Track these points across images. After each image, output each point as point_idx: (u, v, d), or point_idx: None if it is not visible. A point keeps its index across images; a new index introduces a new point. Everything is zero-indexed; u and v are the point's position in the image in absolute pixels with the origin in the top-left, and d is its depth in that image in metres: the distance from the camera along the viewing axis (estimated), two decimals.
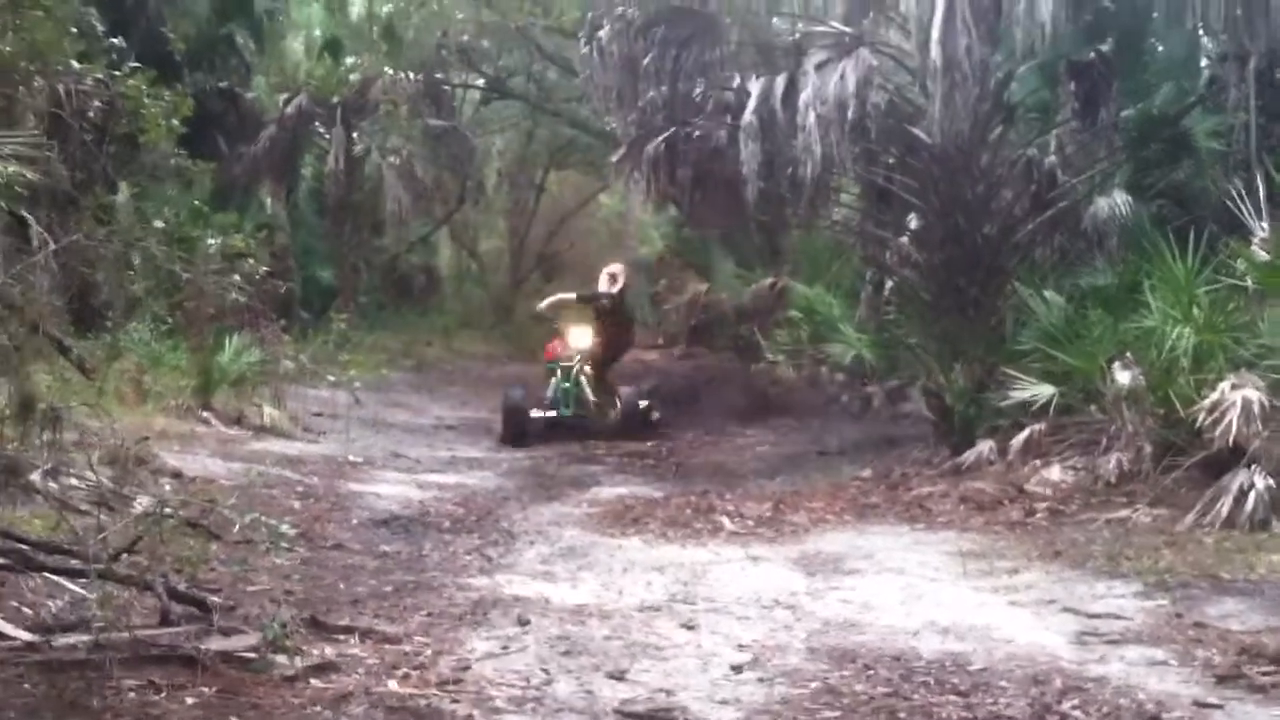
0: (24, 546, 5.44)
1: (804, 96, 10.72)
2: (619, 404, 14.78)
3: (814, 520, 9.32)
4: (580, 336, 14.93)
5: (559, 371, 14.72)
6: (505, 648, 5.74)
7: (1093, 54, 11.62)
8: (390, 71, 22.45)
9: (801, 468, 12.12)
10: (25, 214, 11.13)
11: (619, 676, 5.36)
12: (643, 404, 14.98)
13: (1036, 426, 10.09)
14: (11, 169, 9.48)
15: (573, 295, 15.73)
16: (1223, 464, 8.48)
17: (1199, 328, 9.56)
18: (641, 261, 31.79)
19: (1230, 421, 8.42)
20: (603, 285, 15.54)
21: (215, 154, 17.71)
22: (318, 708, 4.71)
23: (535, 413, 14.47)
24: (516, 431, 14.12)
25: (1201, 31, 12.36)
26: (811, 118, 10.60)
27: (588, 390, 14.64)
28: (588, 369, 14.77)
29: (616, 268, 16.00)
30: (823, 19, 12.64)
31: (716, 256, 23.88)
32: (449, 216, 27.45)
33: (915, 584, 7.17)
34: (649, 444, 13.95)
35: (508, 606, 6.54)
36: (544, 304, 16.15)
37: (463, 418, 16.18)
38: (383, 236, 25.88)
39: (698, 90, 12.43)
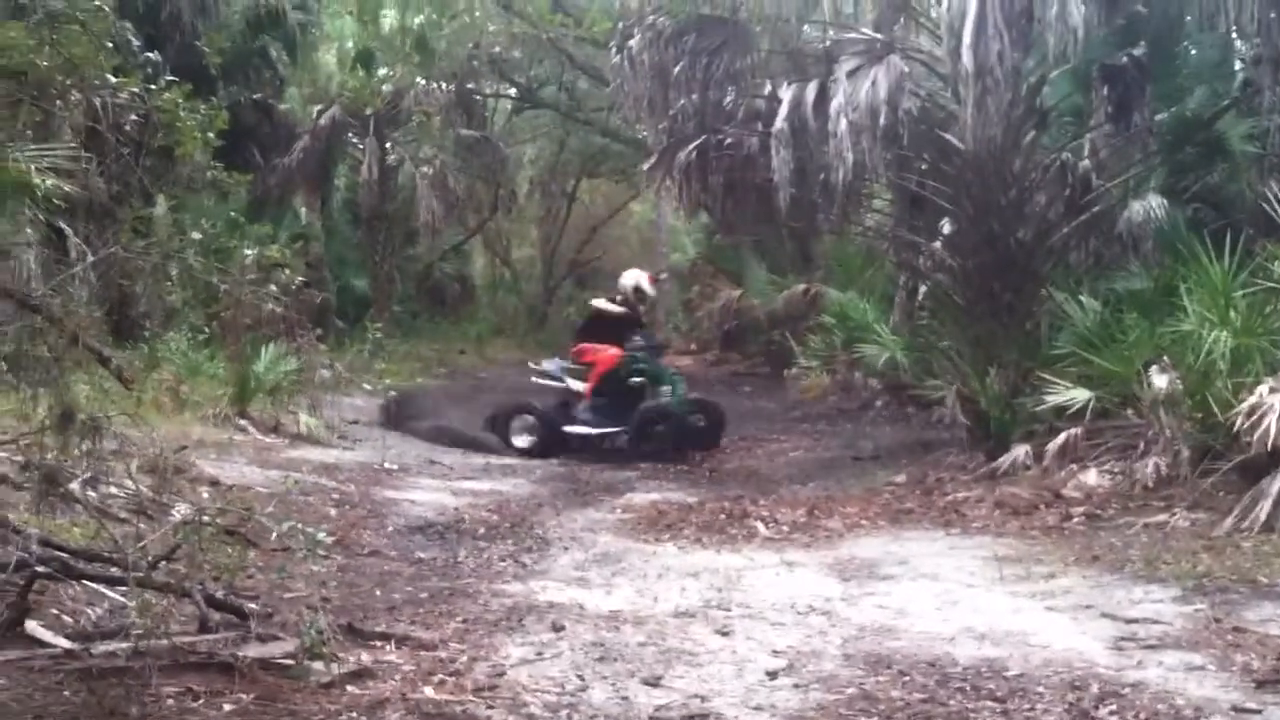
0: (64, 554, 5.49)
1: (835, 103, 10.70)
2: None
3: (848, 525, 9.29)
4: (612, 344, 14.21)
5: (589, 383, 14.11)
6: (540, 654, 5.76)
7: (1125, 58, 11.54)
8: (422, 82, 22.60)
9: (835, 473, 12.09)
10: (64, 226, 11.29)
11: (654, 683, 5.36)
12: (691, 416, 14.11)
13: (1073, 431, 10.01)
14: (50, 182, 9.61)
15: (612, 305, 14.86)
16: (1261, 468, 8.40)
17: (1236, 331, 9.49)
18: (674, 268, 31.87)
19: (1269, 425, 8.32)
20: (647, 288, 14.89)
21: (250, 165, 17.90)
22: (354, 714, 4.74)
23: (569, 429, 13.97)
24: (546, 445, 13.77)
25: (1235, 34, 12.26)
26: (843, 124, 10.58)
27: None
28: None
29: (655, 272, 15.89)
30: (853, 26, 12.61)
31: (749, 263, 23.87)
32: (482, 225, 27.59)
33: (951, 589, 7.14)
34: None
35: (542, 613, 6.56)
36: (597, 304, 15.40)
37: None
38: (416, 245, 26.04)
39: (728, 98, 12.44)
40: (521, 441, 13.84)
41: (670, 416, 13.71)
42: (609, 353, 14.11)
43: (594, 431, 13.96)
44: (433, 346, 22.82)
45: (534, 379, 14.87)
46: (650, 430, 13.63)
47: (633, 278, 14.95)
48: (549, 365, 14.90)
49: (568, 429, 13.97)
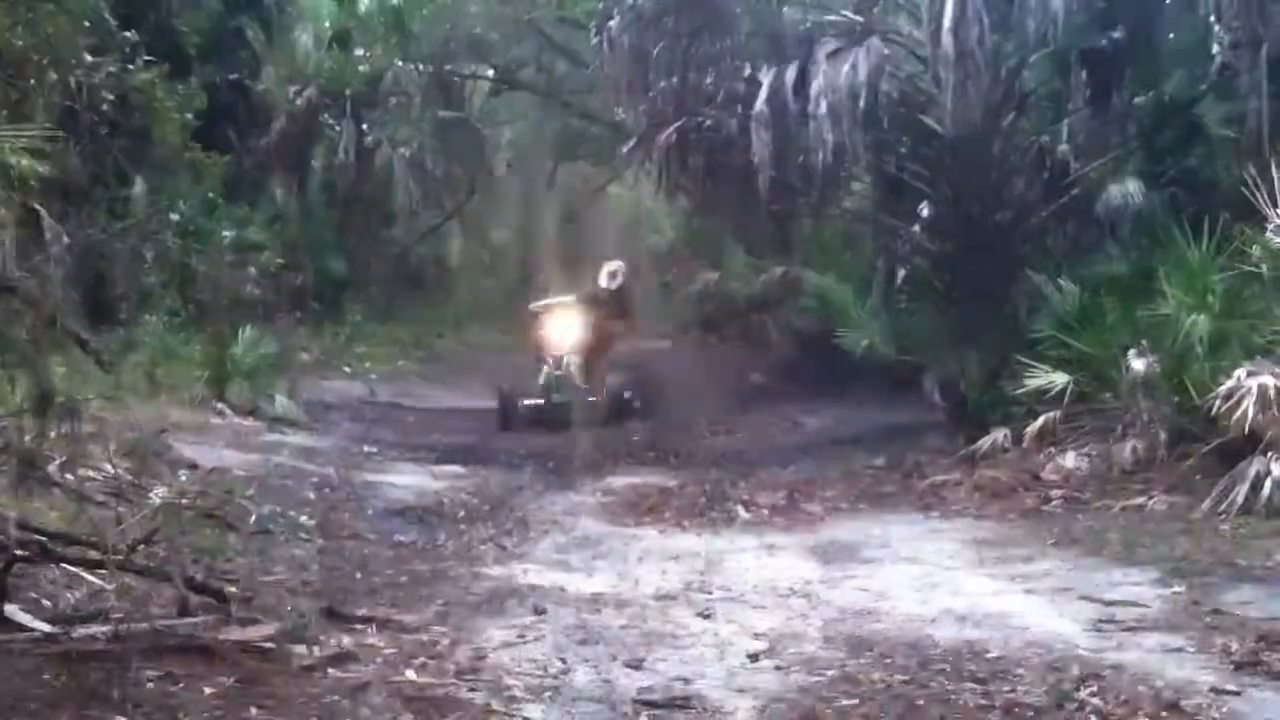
0: (42, 538, 5.45)
1: (815, 86, 10.70)
2: (604, 392, 15.19)
3: (829, 509, 9.32)
4: (564, 331, 15.41)
5: (549, 361, 15.29)
6: (522, 637, 5.75)
7: (1104, 42, 11.57)
8: (400, 63, 22.46)
9: (815, 456, 12.11)
10: (39, 207, 11.19)
11: (636, 665, 5.36)
12: (626, 394, 15.44)
13: (1051, 414, 10.05)
14: (25, 162, 9.53)
15: (569, 298, 16.00)
16: (1238, 451, 8.45)
17: (1214, 315, 9.53)
18: (652, 251, 31.80)
19: (1246, 409, 8.38)
20: (602, 281, 15.79)
21: (226, 146, 17.74)
22: (336, 697, 4.71)
23: (526, 401, 14.98)
24: (506, 419, 14.80)
25: (1213, 18, 12.28)
26: (823, 107, 10.59)
27: (576, 378, 15.06)
28: (575, 359, 15.19)
29: (616, 265, 16.21)
30: (833, 8, 12.62)
31: (728, 246, 23.84)
32: (459, 208, 27.45)
33: (931, 572, 7.17)
34: (633, 435, 14.02)
35: (524, 596, 6.55)
36: (539, 304, 16.62)
37: (475, 407, 16.17)
38: (393, 228, 25.91)
39: (708, 81, 12.41)
40: None
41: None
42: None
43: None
44: (410, 329, 22.76)
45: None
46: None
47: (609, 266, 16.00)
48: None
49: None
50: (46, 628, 4.92)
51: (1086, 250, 12.45)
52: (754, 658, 5.50)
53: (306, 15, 23.95)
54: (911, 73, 12.35)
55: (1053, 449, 9.94)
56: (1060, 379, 10.20)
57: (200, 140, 11.04)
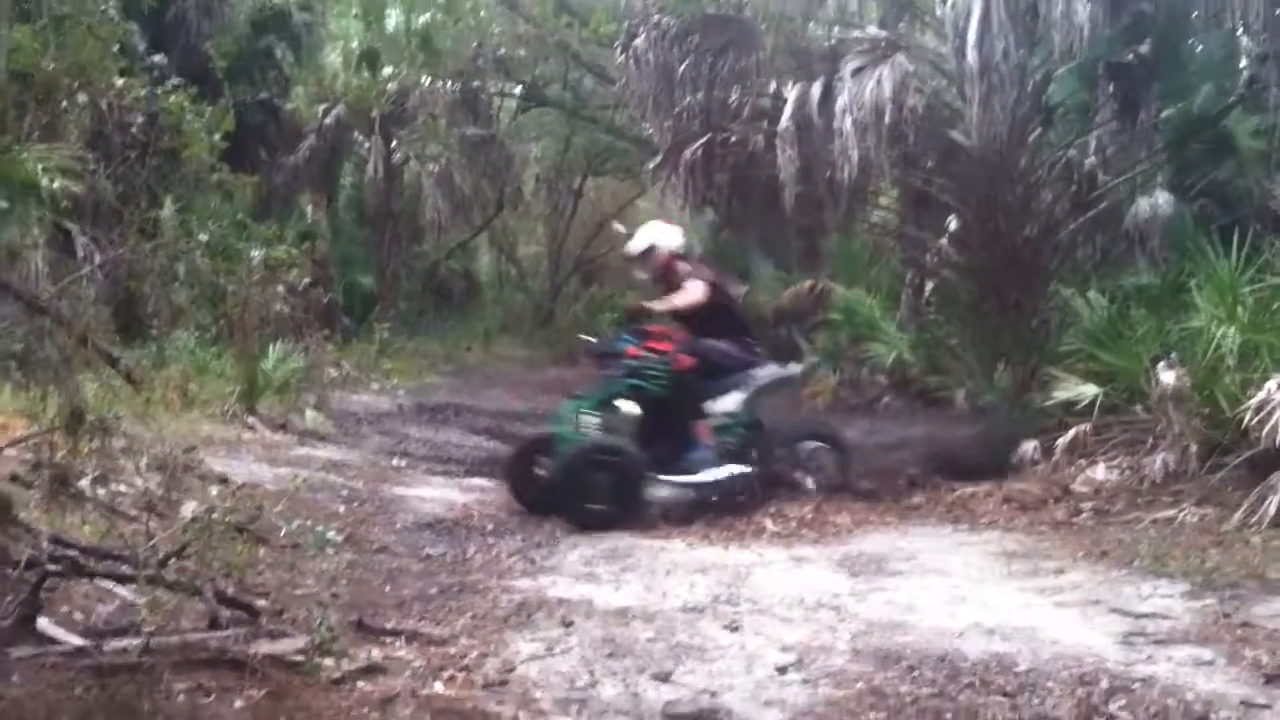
0: (74, 552, 5.50)
1: (840, 102, 10.73)
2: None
3: (856, 521, 9.27)
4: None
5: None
6: (550, 650, 5.76)
7: (1131, 55, 11.54)
8: (427, 81, 22.63)
9: None
10: (70, 227, 11.33)
11: (664, 678, 5.37)
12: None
13: (1081, 427, 10.01)
14: (57, 184, 9.66)
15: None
16: (1270, 463, 8.38)
17: (1244, 327, 9.48)
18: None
19: (1276, 420, 8.30)
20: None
21: (256, 165, 17.97)
22: (365, 710, 4.74)
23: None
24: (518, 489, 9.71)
25: (1241, 31, 12.25)
26: (848, 123, 10.61)
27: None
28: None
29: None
30: (858, 24, 12.65)
31: (754, 260, 23.85)
32: (488, 223, 27.60)
33: (959, 585, 7.14)
34: None
35: (552, 609, 6.56)
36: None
37: (504, 421, 16.22)
38: (422, 243, 26.10)
39: (734, 97, 12.45)
40: None
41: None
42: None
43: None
44: (439, 344, 22.85)
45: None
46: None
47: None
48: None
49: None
50: (78, 641, 4.96)
51: (1115, 263, 12.44)
52: (782, 670, 5.50)
53: (334, 35, 24.19)
54: (937, 87, 12.35)
55: (1082, 461, 9.89)
56: (1090, 391, 10.18)
57: (230, 159, 11.13)
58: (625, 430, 9.56)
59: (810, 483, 9.77)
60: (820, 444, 10.15)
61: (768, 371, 10.24)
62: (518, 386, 20.14)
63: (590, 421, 9.49)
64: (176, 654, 4.87)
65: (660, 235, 10.25)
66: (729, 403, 9.80)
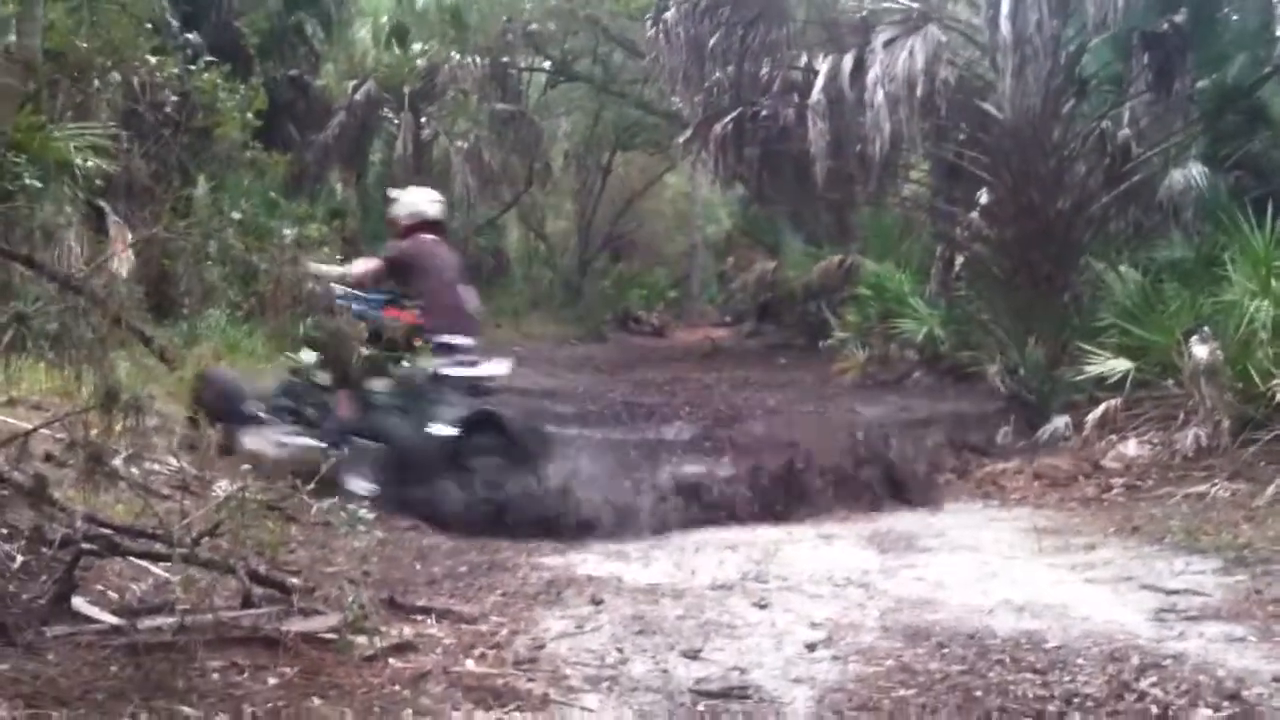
0: (109, 531, 5.55)
1: (872, 74, 10.68)
2: None
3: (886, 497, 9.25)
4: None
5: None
6: (580, 627, 5.78)
7: (1166, 25, 11.43)
8: (457, 57, 22.61)
9: (870, 445, 12.02)
10: (103, 205, 11.39)
11: (693, 655, 5.37)
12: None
13: (1112, 401, 9.96)
14: (90, 162, 9.71)
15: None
16: None
17: (1278, 300, 9.40)
18: (710, 240, 31.84)
19: None
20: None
21: (286, 142, 18.00)
22: (397, 687, 4.77)
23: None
24: None
25: (1276, 1, 12.11)
26: (880, 95, 10.57)
27: None
28: None
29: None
30: None
31: (784, 234, 23.87)
32: (517, 199, 27.60)
33: (989, 561, 7.13)
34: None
35: (581, 586, 6.58)
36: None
37: (532, 399, 16.25)
38: (452, 220, 26.08)
39: (764, 70, 12.42)
40: None
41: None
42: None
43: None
44: None
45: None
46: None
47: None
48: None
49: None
50: (113, 620, 5.02)
51: (1148, 236, 12.34)
52: (811, 647, 5.50)
53: (364, 10, 24.18)
54: (969, 59, 12.28)
55: (1114, 436, 9.85)
56: (1122, 365, 10.12)
57: (261, 136, 11.20)
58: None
59: (361, 488, 8.08)
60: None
61: (448, 362, 8.86)
62: (546, 363, 20.19)
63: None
64: (210, 632, 4.91)
65: (401, 205, 9.73)
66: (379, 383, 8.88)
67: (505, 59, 23.74)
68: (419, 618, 5.77)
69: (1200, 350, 9.32)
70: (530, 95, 26.34)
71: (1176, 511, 8.15)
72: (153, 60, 10.34)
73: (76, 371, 5.55)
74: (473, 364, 8.99)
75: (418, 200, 9.80)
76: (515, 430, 8.70)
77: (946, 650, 5.43)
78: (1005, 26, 10.25)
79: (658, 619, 5.95)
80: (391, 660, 5.06)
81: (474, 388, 8.88)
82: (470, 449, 8.44)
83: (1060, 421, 10.41)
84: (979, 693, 4.90)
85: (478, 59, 22.80)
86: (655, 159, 29.90)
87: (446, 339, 8.90)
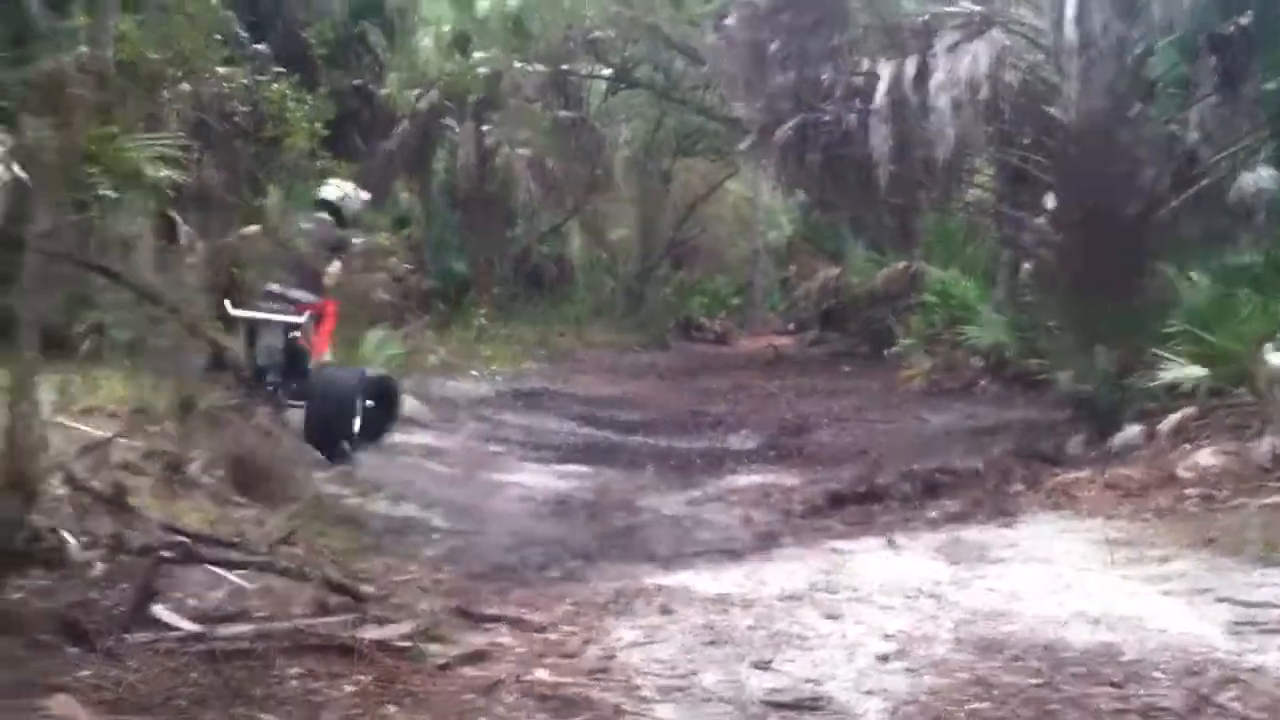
0: (187, 539, 5.64)
1: (935, 79, 10.62)
2: None
3: (955, 507, 9.19)
4: None
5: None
6: (650, 637, 5.78)
7: (1232, 27, 11.25)
8: (518, 65, 22.71)
9: (939, 454, 11.96)
10: (174, 215, 11.56)
11: (764, 666, 5.36)
12: None
13: (1186, 410, 9.81)
14: (162, 173, 9.86)
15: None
16: None
17: None
18: (771, 246, 31.76)
19: None
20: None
21: (351, 151, 18.17)
22: (471, 695, 4.80)
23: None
24: None
25: None
26: (944, 100, 10.50)
27: None
28: None
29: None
30: (952, 0, 12.48)
31: (847, 240, 23.74)
32: (579, 207, 27.65)
33: (1063, 573, 7.03)
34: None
35: (650, 596, 6.57)
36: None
37: (597, 407, 16.30)
38: (514, 228, 26.21)
39: (826, 75, 12.35)
40: None
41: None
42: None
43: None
44: (532, 329, 22.96)
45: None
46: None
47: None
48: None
49: None
50: (192, 627, 5.09)
51: (1218, 240, 12.15)
52: (883, 659, 5.46)
53: (427, 19, 24.34)
54: (1033, 63, 12.16)
55: (1187, 446, 9.69)
56: (1196, 373, 9.96)
57: (327, 145, 11.30)
58: None
59: None
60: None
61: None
62: (609, 371, 20.25)
63: None
64: (287, 639, 4.98)
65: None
66: None
67: (566, 66, 23.82)
68: (490, 626, 5.80)
69: (1275, 358, 9.18)
70: (591, 102, 26.40)
71: (1253, 522, 7.99)
72: (222, 71, 10.47)
73: (155, 382, 5.65)
74: None
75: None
76: None
77: (1021, 663, 5.38)
78: (1070, 29, 10.16)
79: (728, 629, 5.93)
80: (465, 668, 5.09)
81: None
82: None
83: (1132, 430, 10.26)
84: (1055, 706, 4.86)
85: (539, 67, 22.90)
86: (716, 165, 29.84)
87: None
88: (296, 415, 9.56)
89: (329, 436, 9.42)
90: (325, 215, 10.23)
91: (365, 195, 10.86)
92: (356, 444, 9.79)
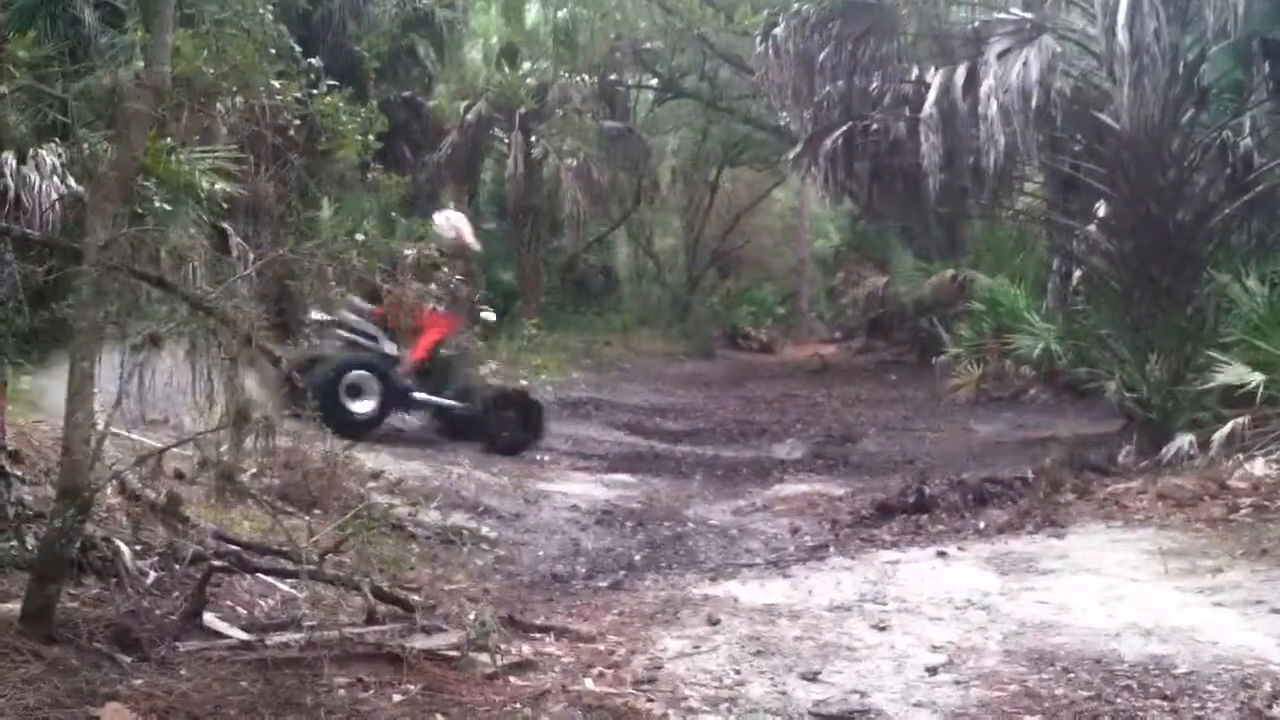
0: (238, 548, 5.70)
1: (985, 86, 10.55)
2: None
3: (1003, 518, 9.12)
4: None
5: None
6: (697, 647, 5.78)
7: None
8: (566, 75, 22.80)
9: (988, 463, 11.89)
10: (226, 226, 11.68)
11: (811, 678, 5.35)
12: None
13: (1239, 419, 9.68)
14: (216, 185, 9.96)
15: None
16: None
17: None
18: (818, 255, 31.68)
19: None
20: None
21: (401, 162, 18.28)
22: (518, 705, 4.82)
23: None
24: None
25: None
26: (994, 107, 10.43)
27: None
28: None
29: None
30: (1002, 6, 12.41)
31: (895, 249, 23.65)
32: (626, 216, 27.71)
33: (1114, 584, 6.97)
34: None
35: (697, 606, 6.59)
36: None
37: (643, 416, 16.32)
38: (561, 237, 26.30)
39: (874, 84, 12.33)
40: (361, 407, 11.58)
41: (531, 403, 12.60)
42: (443, 317, 12.09)
43: (446, 401, 12.25)
44: (579, 338, 23.04)
45: (335, 331, 11.86)
46: (502, 414, 12.34)
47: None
48: (352, 317, 11.94)
49: (417, 394, 12.16)
50: (243, 635, 5.14)
51: (1273, 247, 12.00)
52: (932, 671, 5.43)
53: (475, 31, 24.48)
54: (1085, 69, 12.08)
55: (1240, 455, 9.57)
56: (1255, 377, 9.82)
57: (377, 157, 11.27)
58: None
59: None
60: None
61: None
62: (655, 380, 20.27)
63: None
64: (336, 648, 5.02)
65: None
66: None
67: (613, 76, 23.89)
68: (537, 636, 5.83)
69: None
70: (638, 112, 26.46)
71: None
72: (276, 85, 10.55)
73: (209, 392, 5.70)
74: None
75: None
76: None
77: (1072, 675, 5.33)
78: (1122, 35, 10.05)
79: (775, 640, 5.93)
80: (512, 678, 5.12)
81: None
82: None
83: (1184, 440, 10.13)
84: (1106, 719, 4.81)
85: (586, 77, 22.98)
86: (763, 174, 29.83)
87: None
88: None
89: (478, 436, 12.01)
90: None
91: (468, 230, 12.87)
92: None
